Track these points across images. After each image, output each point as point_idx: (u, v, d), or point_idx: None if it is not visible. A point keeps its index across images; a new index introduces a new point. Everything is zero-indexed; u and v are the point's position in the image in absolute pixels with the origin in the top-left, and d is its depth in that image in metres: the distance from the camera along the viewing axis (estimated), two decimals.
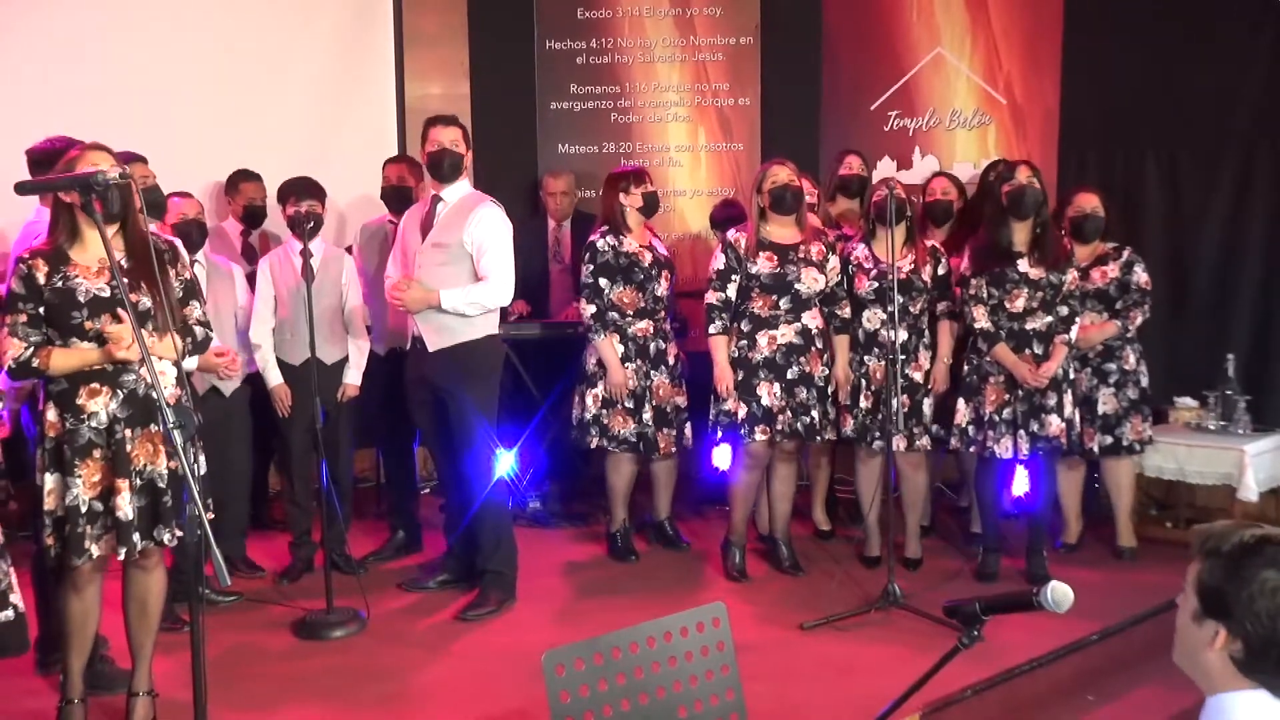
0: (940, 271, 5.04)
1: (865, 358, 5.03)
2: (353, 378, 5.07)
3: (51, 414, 3.39)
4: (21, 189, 2.86)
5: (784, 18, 6.78)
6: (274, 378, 4.96)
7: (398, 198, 5.38)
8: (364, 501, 6.08)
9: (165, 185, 4.51)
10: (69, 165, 3.29)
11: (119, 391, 3.38)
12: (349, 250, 5.42)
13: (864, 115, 6.71)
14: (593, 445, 5.25)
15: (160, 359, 3.38)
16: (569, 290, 6.10)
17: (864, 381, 5.02)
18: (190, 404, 3.24)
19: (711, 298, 4.91)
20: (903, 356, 4.92)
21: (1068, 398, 4.84)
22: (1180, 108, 5.86)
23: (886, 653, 4.17)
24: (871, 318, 5.01)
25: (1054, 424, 4.79)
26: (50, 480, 3.39)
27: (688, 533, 5.63)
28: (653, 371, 5.19)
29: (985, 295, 4.82)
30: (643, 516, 5.61)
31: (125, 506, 3.35)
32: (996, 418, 4.82)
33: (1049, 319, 4.80)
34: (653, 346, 5.19)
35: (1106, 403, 5.14)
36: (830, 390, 5.00)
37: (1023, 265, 4.78)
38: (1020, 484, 4.93)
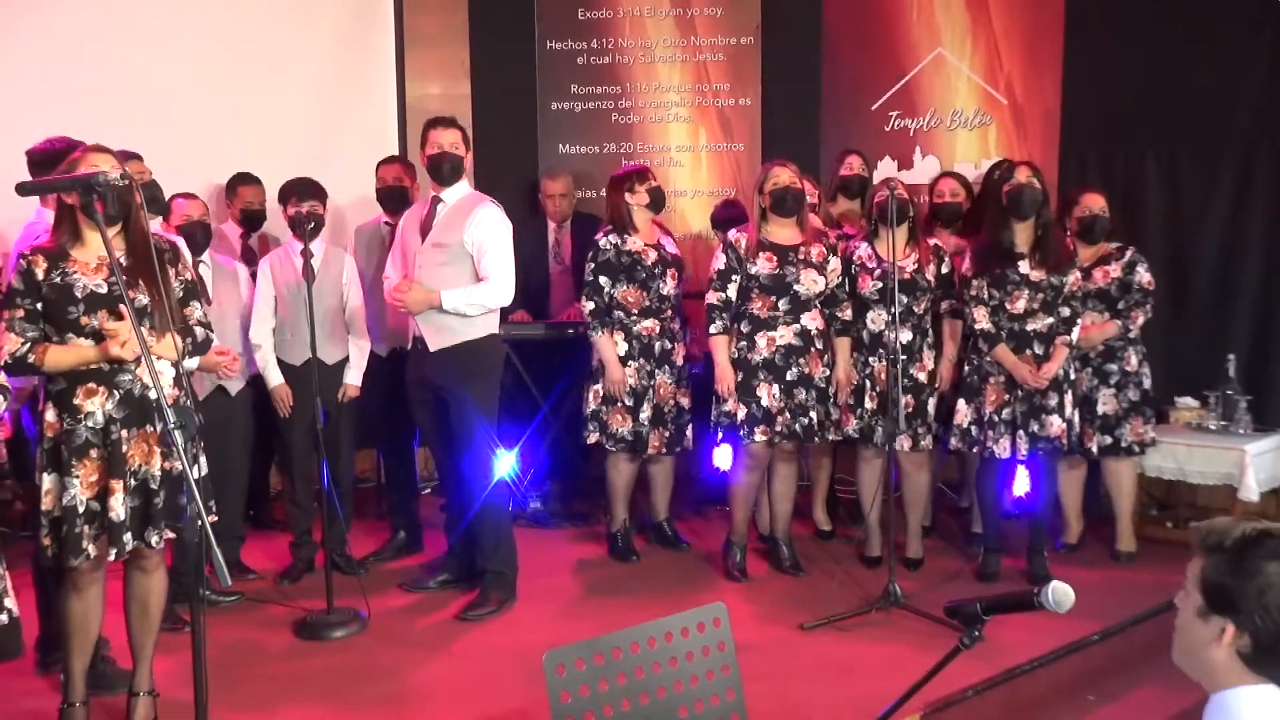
0: (944, 270, 5.04)
1: (870, 358, 5.03)
2: (353, 378, 5.07)
3: (50, 414, 3.39)
4: (23, 190, 2.87)
5: (784, 18, 6.78)
6: (274, 378, 4.96)
7: (395, 198, 5.38)
8: (365, 502, 6.08)
9: (165, 185, 4.51)
10: (71, 166, 3.29)
11: (115, 392, 3.38)
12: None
13: (864, 115, 6.71)
14: (590, 441, 5.25)
15: (159, 358, 3.38)
16: (569, 291, 6.10)
17: (869, 382, 5.02)
18: (190, 404, 3.24)
19: (712, 298, 4.91)
20: (904, 357, 4.92)
21: (1068, 398, 4.84)
22: (1180, 108, 5.86)
23: (887, 653, 4.17)
24: (876, 318, 5.01)
25: (1054, 424, 4.79)
26: (48, 480, 3.39)
27: (689, 533, 5.63)
28: (656, 371, 5.19)
29: (986, 296, 4.82)
30: (643, 517, 5.61)
31: (118, 507, 3.35)
32: (996, 418, 4.82)
33: (1050, 320, 4.79)
34: (657, 346, 5.19)
35: (1106, 403, 5.14)
36: (831, 391, 4.99)
37: (1024, 266, 4.78)
38: (1021, 484, 4.94)
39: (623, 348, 5.16)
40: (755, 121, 6.88)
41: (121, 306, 3.29)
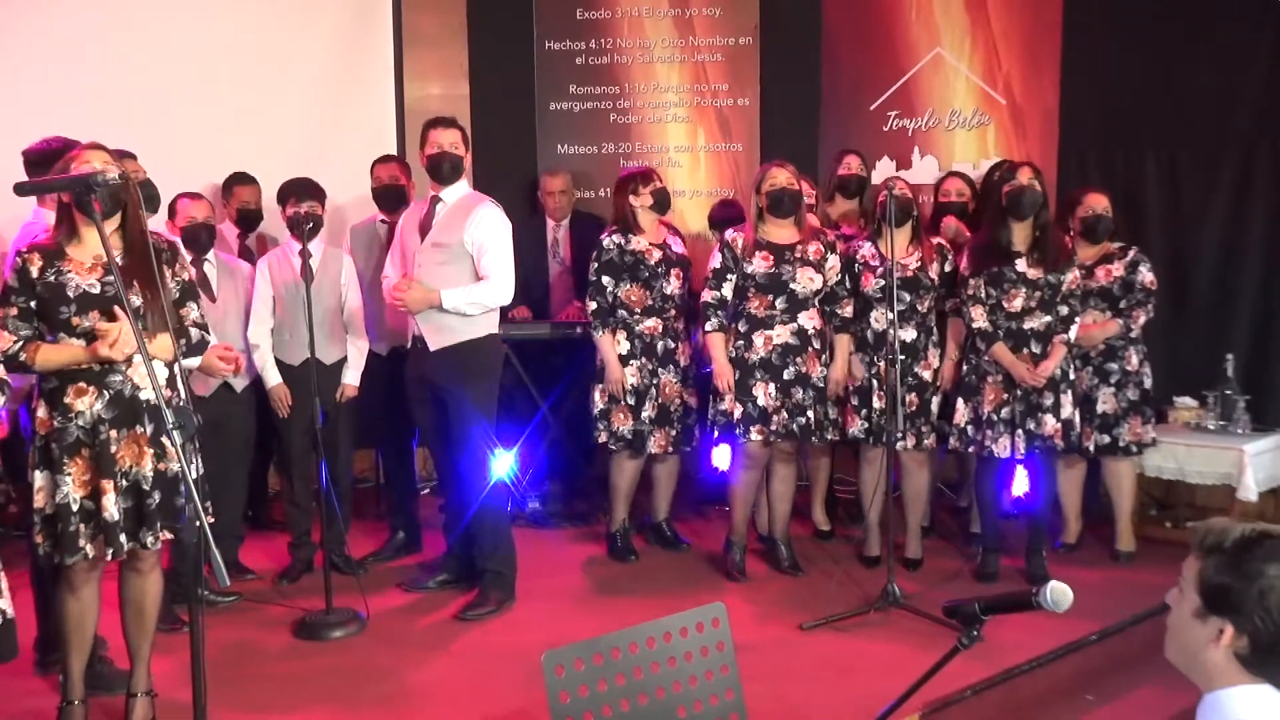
0: (948, 269, 5.04)
1: (875, 357, 5.02)
2: (351, 378, 5.06)
3: (42, 411, 3.40)
4: (21, 190, 2.87)
5: (783, 18, 6.78)
6: (273, 378, 4.95)
7: (391, 197, 5.37)
8: (364, 502, 6.08)
9: (164, 185, 4.50)
10: (65, 166, 3.30)
11: (105, 392, 3.37)
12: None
13: (863, 115, 6.71)
14: (601, 441, 5.26)
15: (152, 359, 3.38)
16: (569, 290, 6.11)
17: (875, 382, 5.01)
18: (190, 405, 3.24)
19: (707, 296, 4.92)
20: (903, 357, 4.92)
21: (1066, 398, 4.84)
22: (1180, 108, 5.86)
23: (886, 653, 4.17)
24: (880, 317, 5.01)
25: (1050, 424, 4.79)
26: (40, 478, 3.39)
27: (688, 533, 5.63)
28: (660, 370, 5.19)
29: (983, 295, 4.82)
30: (642, 517, 5.61)
31: (110, 508, 3.34)
32: (995, 417, 4.82)
33: (1047, 319, 4.80)
34: (660, 345, 5.19)
35: (1106, 402, 5.14)
36: (829, 390, 4.99)
37: (1020, 265, 4.78)
38: (1020, 484, 4.94)
39: (625, 347, 5.16)
40: (754, 122, 6.88)
41: (117, 308, 3.29)
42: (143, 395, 3.40)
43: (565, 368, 5.82)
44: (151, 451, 3.41)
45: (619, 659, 2.30)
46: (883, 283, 4.94)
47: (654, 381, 5.18)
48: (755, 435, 4.86)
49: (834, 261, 4.96)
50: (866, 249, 5.07)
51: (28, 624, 3.85)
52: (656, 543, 5.52)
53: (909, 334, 4.99)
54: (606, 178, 6.82)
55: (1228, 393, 5.36)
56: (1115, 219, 5.18)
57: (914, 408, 5.00)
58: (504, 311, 4.87)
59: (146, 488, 3.40)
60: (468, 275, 4.59)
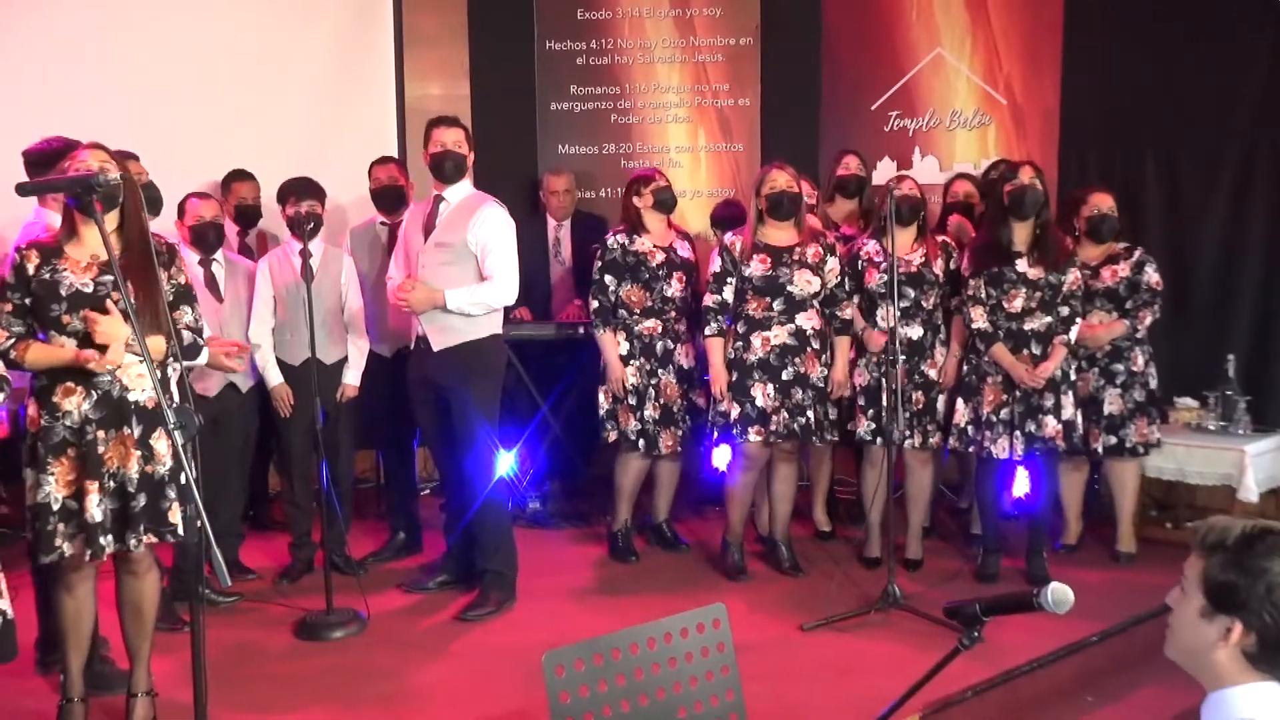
0: (953, 266, 5.04)
1: (882, 357, 5.01)
2: (351, 378, 5.06)
3: (32, 410, 3.41)
4: (22, 190, 2.87)
5: (784, 18, 6.78)
6: (274, 377, 4.95)
7: (390, 198, 5.36)
8: (364, 502, 6.08)
9: (165, 185, 4.50)
10: (65, 167, 3.31)
11: (93, 392, 3.37)
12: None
13: (864, 116, 6.71)
14: (611, 440, 5.26)
15: (140, 360, 3.38)
16: (570, 290, 6.11)
17: (884, 382, 5.01)
18: (191, 405, 3.24)
19: (708, 300, 4.93)
20: (903, 357, 4.91)
21: (1067, 399, 4.84)
22: (1180, 108, 5.86)
23: (886, 653, 4.17)
24: (885, 315, 4.99)
25: (1050, 425, 4.78)
26: (30, 475, 3.40)
27: (688, 533, 5.63)
28: (659, 370, 5.19)
29: (984, 295, 4.82)
30: (643, 518, 5.61)
31: (93, 509, 3.33)
32: (994, 418, 4.82)
33: (1048, 319, 4.79)
34: (659, 346, 5.19)
35: (1112, 403, 5.12)
36: (829, 391, 4.99)
37: (1021, 265, 4.78)
38: (1020, 485, 4.93)
39: (624, 347, 5.17)
40: (754, 122, 6.88)
41: (110, 302, 3.31)
42: (131, 396, 3.40)
43: (566, 368, 5.82)
44: (139, 453, 3.39)
45: (619, 659, 2.30)
46: (885, 277, 4.92)
47: (652, 382, 5.18)
48: (754, 436, 4.86)
49: (833, 264, 4.96)
50: (871, 246, 5.07)
51: (29, 624, 3.86)
52: (657, 543, 5.52)
53: (915, 331, 4.99)
54: (607, 178, 6.84)
55: (1228, 393, 5.36)
56: (1121, 219, 5.17)
57: (920, 405, 5.00)
58: (506, 312, 4.87)
59: (132, 490, 3.39)
60: (471, 275, 4.59)
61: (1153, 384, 5.16)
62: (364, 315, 5.10)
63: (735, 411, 4.85)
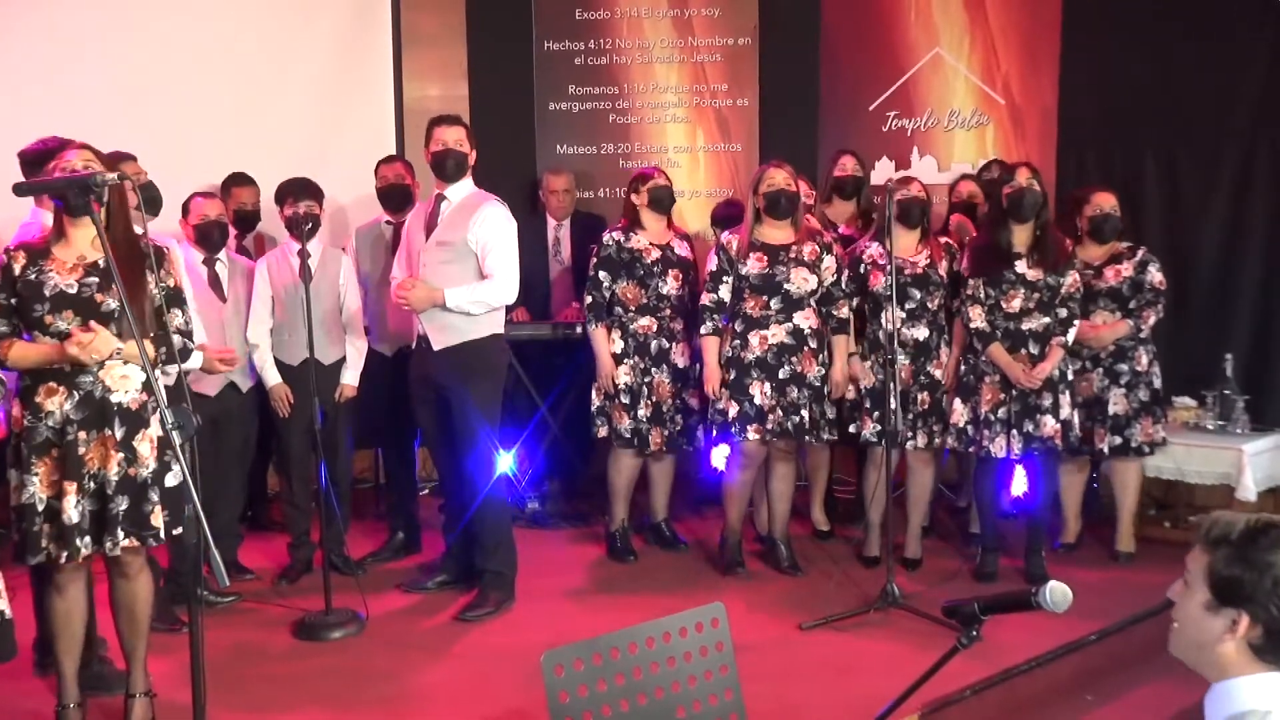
0: (956, 267, 5.03)
1: (888, 358, 4.99)
2: (350, 378, 5.06)
3: (17, 410, 3.42)
4: (19, 190, 2.87)
5: (782, 18, 6.78)
6: (273, 377, 4.95)
7: (397, 196, 5.36)
8: (363, 502, 6.08)
9: (163, 185, 4.50)
10: (52, 168, 3.32)
11: (75, 393, 3.37)
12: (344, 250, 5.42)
13: (862, 116, 6.71)
14: (601, 435, 5.27)
15: (125, 362, 3.38)
16: (569, 290, 6.11)
17: (892, 384, 4.99)
18: (189, 405, 3.23)
19: (705, 299, 4.94)
20: (904, 358, 4.91)
21: (1064, 399, 4.84)
22: (1180, 107, 5.86)
23: (885, 653, 4.17)
24: (891, 317, 4.98)
25: (1048, 425, 4.78)
26: (14, 476, 3.40)
27: (687, 533, 5.63)
28: (653, 369, 5.19)
29: (982, 296, 4.82)
30: (641, 518, 5.61)
31: (70, 510, 3.32)
32: (992, 417, 4.82)
33: (1046, 320, 4.79)
34: (654, 344, 5.19)
35: (1117, 403, 5.11)
36: (827, 390, 4.99)
37: (1020, 266, 4.78)
38: (1019, 484, 4.93)
39: (619, 345, 5.17)
40: (753, 122, 6.88)
41: (101, 305, 3.30)
42: (114, 398, 3.39)
43: (565, 368, 5.82)
44: (120, 455, 3.38)
45: (618, 659, 2.31)
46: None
47: (646, 380, 5.18)
48: (752, 434, 4.86)
49: (829, 262, 4.96)
50: (874, 248, 5.06)
51: (28, 625, 3.85)
52: (655, 543, 5.52)
53: (921, 332, 4.98)
54: (605, 178, 6.84)
55: (1227, 393, 5.36)
56: (1124, 218, 5.17)
57: (925, 406, 5.00)
58: (505, 312, 4.87)
59: (111, 492, 3.37)
60: (472, 274, 4.59)
61: (1157, 383, 5.15)
62: (369, 314, 5.10)
63: (733, 410, 4.86)
